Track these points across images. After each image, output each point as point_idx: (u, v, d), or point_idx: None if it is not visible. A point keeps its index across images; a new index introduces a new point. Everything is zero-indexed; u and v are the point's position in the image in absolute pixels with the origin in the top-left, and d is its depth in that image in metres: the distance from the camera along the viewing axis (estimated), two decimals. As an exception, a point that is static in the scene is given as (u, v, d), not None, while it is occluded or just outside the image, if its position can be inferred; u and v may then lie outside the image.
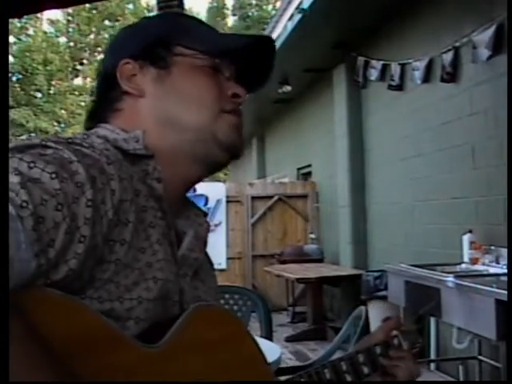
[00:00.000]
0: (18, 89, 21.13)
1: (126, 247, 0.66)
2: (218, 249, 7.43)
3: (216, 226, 7.67)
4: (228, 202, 7.97)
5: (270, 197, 8.17)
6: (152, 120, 0.80)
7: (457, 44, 4.31)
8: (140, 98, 0.81)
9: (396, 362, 0.98)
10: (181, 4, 2.25)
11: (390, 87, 5.35)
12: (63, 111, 22.62)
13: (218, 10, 24.77)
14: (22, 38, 22.09)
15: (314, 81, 7.68)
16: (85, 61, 24.42)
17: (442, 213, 4.65)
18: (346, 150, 6.46)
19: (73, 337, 0.57)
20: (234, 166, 13.92)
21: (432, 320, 4.48)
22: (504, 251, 3.58)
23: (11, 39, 21.03)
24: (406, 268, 3.99)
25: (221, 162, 0.84)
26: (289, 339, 6.10)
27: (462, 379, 4.03)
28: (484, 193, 4.05)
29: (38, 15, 21.46)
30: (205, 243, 0.86)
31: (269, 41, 0.87)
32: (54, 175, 0.58)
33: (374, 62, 5.61)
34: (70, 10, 22.49)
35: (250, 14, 24.71)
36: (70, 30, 24.17)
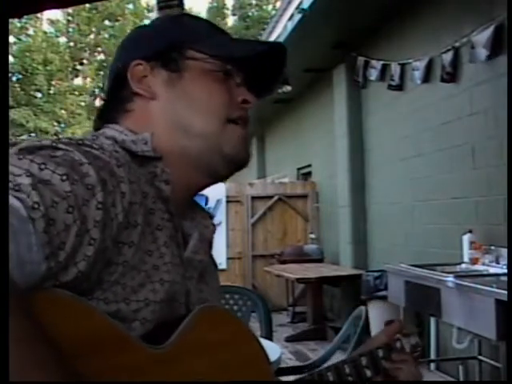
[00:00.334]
0: (18, 89, 21.13)
1: (134, 249, 0.66)
2: (218, 249, 7.36)
3: (216, 226, 7.65)
4: (228, 201, 7.98)
5: (270, 197, 8.17)
6: (162, 123, 0.79)
7: (457, 44, 4.31)
8: (151, 100, 0.80)
9: (398, 365, 0.98)
10: (181, 4, 2.25)
11: (390, 87, 5.35)
12: (63, 111, 22.61)
13: (217, 10, 24.75)
14: (22, 37, 22.08)
15: (314, 81, 7.68)
16: (85, 61, 24.40)
17: (442, 213, 4.65)
18: (346, 150, 6.46)
19: (80, 338, 0.57)
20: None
21: (432, 320, 4.48)
22: (504, 251, 3.59)
23: (11, 39, 21.03)
24: (405, 268, 3.99)
25: (223, 174, 0.83)
26: (289, 339, 6.10)
27: (462, 379, 4.03)
28: (484, 193, 4.05)
29: (38, 15, 21.45)
30: (210, 245, 0.87)
31: (281, 48, 0.87)
32: (64, 177, 0.58)
33: (373, 62, 5.61)
34: (70, 10, 22.48)
35: (249, 14, 24.71)
36: (70, 30, 24.16)
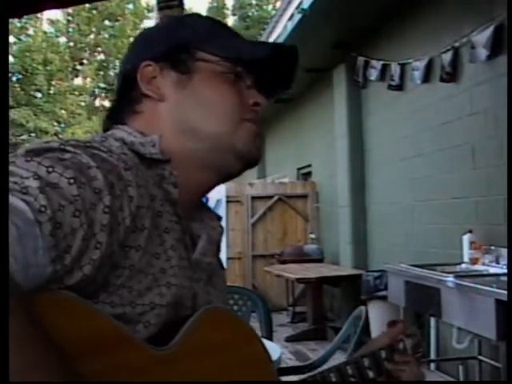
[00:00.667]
0: (18, 89, 21.13)
1: (141, 253, 0.66)
2: (218, 249, 7.43)
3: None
4: (228, 201, 7.97)
5: (270, 197, 8.17)
6: (171, 125, 0.79)
7: (456, 44, 4.31)
8: (159, 102, 0.80)
9: (401, 366, 0.98)
10: (181, 4, 2.24)
11: (390, 87, 5.35)
12: (63, 111, 22.62)
13: (218, 10, 24.74)
14: (22, 38, 22.09)
15: (314, 81, 7.67)
16: (85, 61, 24.41)
17: (442, 213, 4.65)
18: (346, 150, 6.46)
19: (83, 338, 0.58)
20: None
21: (432, 320, 4.48)
22: (504, 251, 3.59)
23: (11, 39, 21.03)
24: (405, 268, 3.99)
25: (234, 172, 0.83)
26: (289, 339, 6.10)
27: (462, 379, 4.03)
28: (484, 193, 4.05)
29: (38, 15, 21.46)
30: (218, 247, 0.86)
31: (293, 51, 0.86)
32: (72, 180, 0.58)
33: (373, 62, 5.61)
34: (70, 10, 22.48)
35: (250, 14, 24.72)
36: (70, 30, 24.16)
